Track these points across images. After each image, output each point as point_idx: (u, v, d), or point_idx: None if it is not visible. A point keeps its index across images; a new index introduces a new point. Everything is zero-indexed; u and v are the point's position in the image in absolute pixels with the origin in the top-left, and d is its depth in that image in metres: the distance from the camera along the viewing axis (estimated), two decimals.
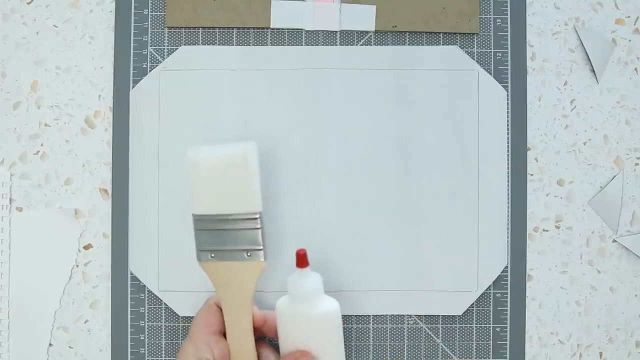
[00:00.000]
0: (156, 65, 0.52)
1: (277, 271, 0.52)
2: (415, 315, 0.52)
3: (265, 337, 0.51)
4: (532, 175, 0.53)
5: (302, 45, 0.53)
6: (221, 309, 0.49)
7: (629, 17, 0.54)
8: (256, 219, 0.47)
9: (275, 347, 0.51)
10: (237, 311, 0.48)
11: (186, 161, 0.48)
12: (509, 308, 0.52)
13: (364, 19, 0.52)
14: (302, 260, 0.46)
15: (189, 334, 0.49)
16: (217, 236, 0.48)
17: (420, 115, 0.52)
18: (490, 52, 0.53)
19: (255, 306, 0.49)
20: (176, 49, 0.52)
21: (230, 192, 0.47)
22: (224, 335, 0.49)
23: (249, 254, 0.48)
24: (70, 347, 0.53)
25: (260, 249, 0.48)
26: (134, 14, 0.53)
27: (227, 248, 0.48)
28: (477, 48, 0.53)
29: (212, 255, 0.48)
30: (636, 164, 0.54)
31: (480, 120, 0.52)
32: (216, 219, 0.48)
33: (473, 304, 0.52)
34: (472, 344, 0.52)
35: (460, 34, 0.53)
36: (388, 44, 0.53)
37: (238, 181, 0.47)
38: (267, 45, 0.53)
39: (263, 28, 0.53)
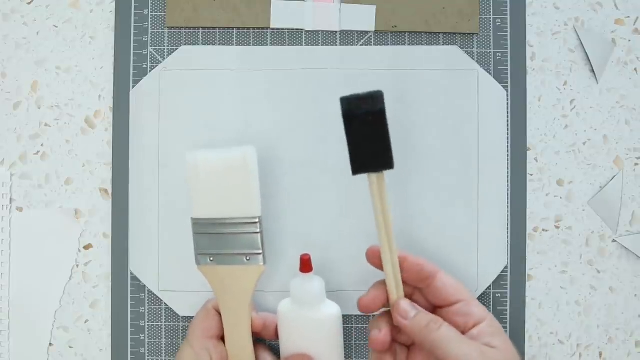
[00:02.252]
0: (156, 65, 0.52)
1: (277, 271, 0.52)
2: None
3: (263, 339, 0.51)
4: (532, 175, 0.53)
5: (302, 45, 0.53)
6: (220, 313, 0.49)
7: (628, 17, 0.54)
8: (255, 223, 0.48)
9: (273, 350, 0.51)
10: (236, 315, 0.48)
11: (184, 165, 0.48)
12: (508, 308, 0.53)
13: (364, 19, 0.53)
14: (306, 265, 0.46)
15: (187, 338, 0.49)
16: (216, 240, 0.48)
17: (420, 115, 0.52)
18: (490, 52, 0.53)
19: (254, 310, 0.49)
20: (176, 49, 0.52)
21: (229, 196, 0.47)
22: (223, 339, 0.49)
23: (248, 258, 0.48)
24: (70, 347, 0.53)
25: (259, 253, 0.48)
26: (134, 14, 0.53)
27: (226, 252, 0.48)
28: (477, 48, 0.53)
29: (211, 259, 0.48)
30: (636, 164, 0.54)
31: (480, 120, 0.52)
32: (215, 222, 0.48)
33: None
34: None
35: (460, 34, 0.53)
36: (388, 44, 0.53)
37: (237, 185, 0.47)
38: (267, 45, 0.53)
39: (263, 28, 0.53)
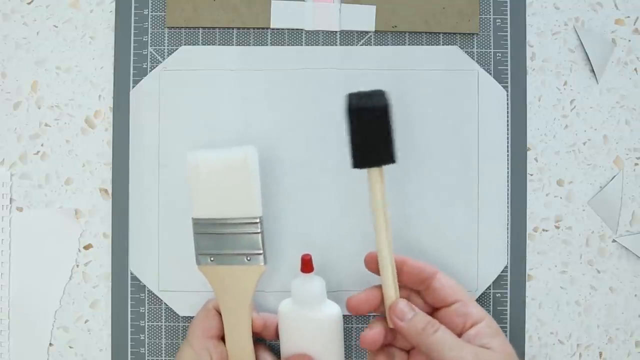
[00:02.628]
0: (156, 65, 0.52)
1: (277, 271, 0.52)
2: None
3: (263, 339, 0.51)
4: (531, 175, 0.53)
5: (302, 45, 0.53)
6: (220, 313, 0.49)
7: (628, 17, 0.54)
8: (256, 223, 0.47)
9: (273, 350, 0.51)
10: (236, 315, 0.48)
11: (185, 164, 0.48)
12: (508, 308, 0.53)
13: (364, 19, 0.53)
14: (307, 265, 0.46)
15: (187, 338, 0.49)
16: (216, 240, 0.48)
17: (420, 115, 0.52)
18: (490, 52, 0.53)
19: (254, 310, 0.49)
20: (176, 49, 0.52)
21: (230, 196, 0.47)
22: (223, 339, 0.49)
23: (248, 258, 0.48)
24: (70, 347, 0.53)
25: (260, 253, 0.48)
26: (134, 14, 0.53)
27: (226, 252, 0.48)
28: (477, 48, 0.53)
29: (212, 259, 0.48)
30: (636, 164, 0.54)
31: (480, 120, 0.52)
32: (216, 222, 0.48)
33: None
34: None
35: (460, 34, 0.53)
36: (388, 44, 0.53)
37: (238, 185, 0.47)
38: (267, 45, 0.53)
39: (263, 28, 0.53)
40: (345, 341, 0.50)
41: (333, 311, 0.47)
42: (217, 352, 0.48)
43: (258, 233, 0.48)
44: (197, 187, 0.48)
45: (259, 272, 0.48)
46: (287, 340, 0.48)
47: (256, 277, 0.48)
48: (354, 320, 0.52)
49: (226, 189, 0.47)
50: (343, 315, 0.48)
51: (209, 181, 0.47)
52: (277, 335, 0.49)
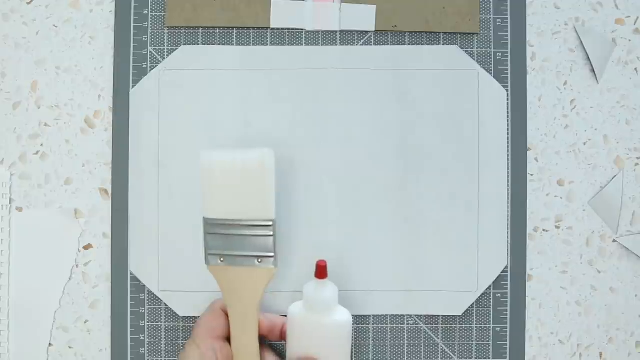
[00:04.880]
0: (156, 65, 0.52)
1: (280, 272, 0.51)
2: (415, 315, 0.52)
3: (267, 340, 0.51)
4: (532, 175, 0.53)
5: (302, 45, 0.53)
6: (227, 314, 0.48)
7: (629, 17, 0.54)
8: (269, 225, 0.47)
9: (275, 350, 0.51)
10: (243, 317, 0.48)
11: (198, 164, 0.47)
12: (509, 308, 0.52)
13: (364, 19, 0.52)
14: (322, 271, 0.46)
15: (192, 337, 0.48)
16: (227, 241, 0.48)
17: (420, 115, 0.52)
18: (490, 52, 0.53)
19: (261, 313, 0.49)
20: (176, 49, 0.52)
21: (244, 197, 0.47)
22: (229, 340, 0.49)
23: (259, 261, 0.48)
24: (70, 347, 0.53)
25: (271, 256, 0.48)
26: (134, 14, 0.53)
27: (237, 253, 0.48)
28: (477, 48, 0.53)
29: (222, 259, 0.48)
30: (636, 164, 0.54)
31: (480, 120, 0.52)
32: (228, 223, 0.47)
33: (473, 304, 0.52)
34: (472, 344, 0.52)
35: (460, 33, 0.53)
36: (388, 44, 0.53)
37: (253, 187, 0.47)
38: (267, 45, 0.53)
39: (263, 28, 0.53)
40: None
41: (344, 317, 0.47)
42: (222, 353, 0.48)
43: (271, 236, 0.47)
44: (211, 187, 0.47)
45: (270, 274, 0.48)
46: (295, 343, 0.48)
47: (266, 279, 0.48)
48: (354, 320, 0.52)
49: (241, 190, 0.47)
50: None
51: (223, 181, 0.47)
52: (282, 337, 0.49)
